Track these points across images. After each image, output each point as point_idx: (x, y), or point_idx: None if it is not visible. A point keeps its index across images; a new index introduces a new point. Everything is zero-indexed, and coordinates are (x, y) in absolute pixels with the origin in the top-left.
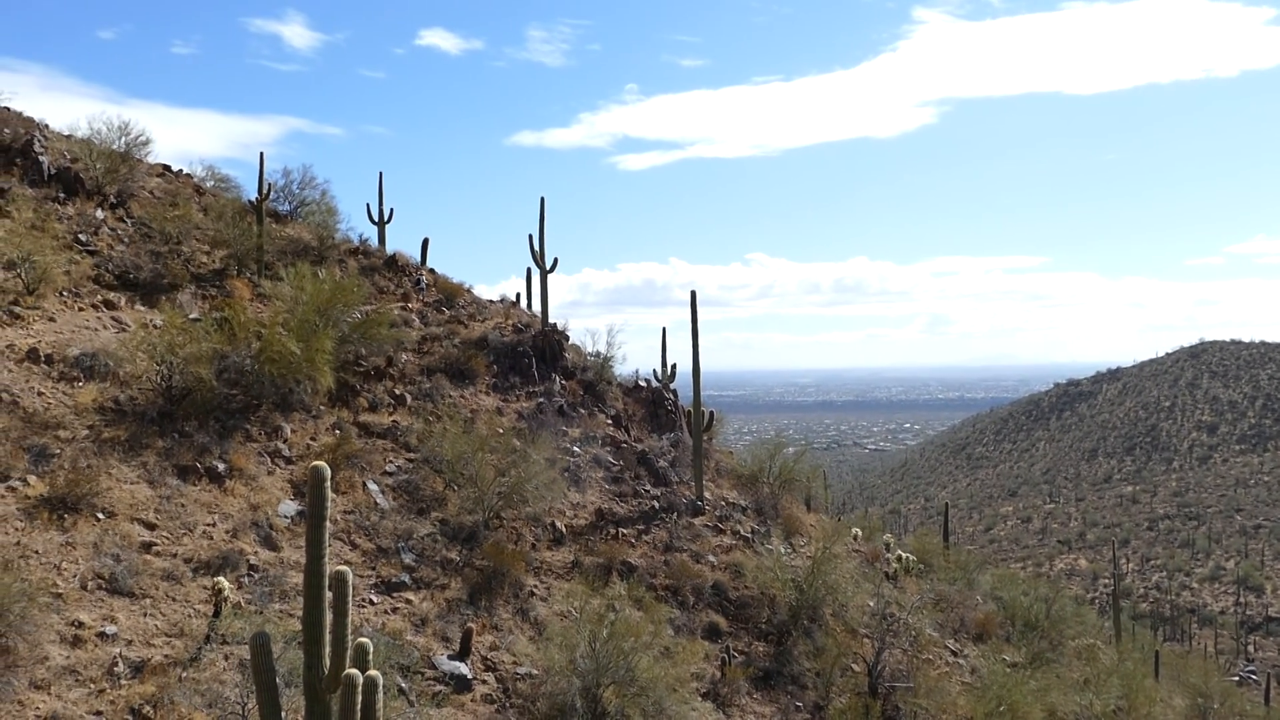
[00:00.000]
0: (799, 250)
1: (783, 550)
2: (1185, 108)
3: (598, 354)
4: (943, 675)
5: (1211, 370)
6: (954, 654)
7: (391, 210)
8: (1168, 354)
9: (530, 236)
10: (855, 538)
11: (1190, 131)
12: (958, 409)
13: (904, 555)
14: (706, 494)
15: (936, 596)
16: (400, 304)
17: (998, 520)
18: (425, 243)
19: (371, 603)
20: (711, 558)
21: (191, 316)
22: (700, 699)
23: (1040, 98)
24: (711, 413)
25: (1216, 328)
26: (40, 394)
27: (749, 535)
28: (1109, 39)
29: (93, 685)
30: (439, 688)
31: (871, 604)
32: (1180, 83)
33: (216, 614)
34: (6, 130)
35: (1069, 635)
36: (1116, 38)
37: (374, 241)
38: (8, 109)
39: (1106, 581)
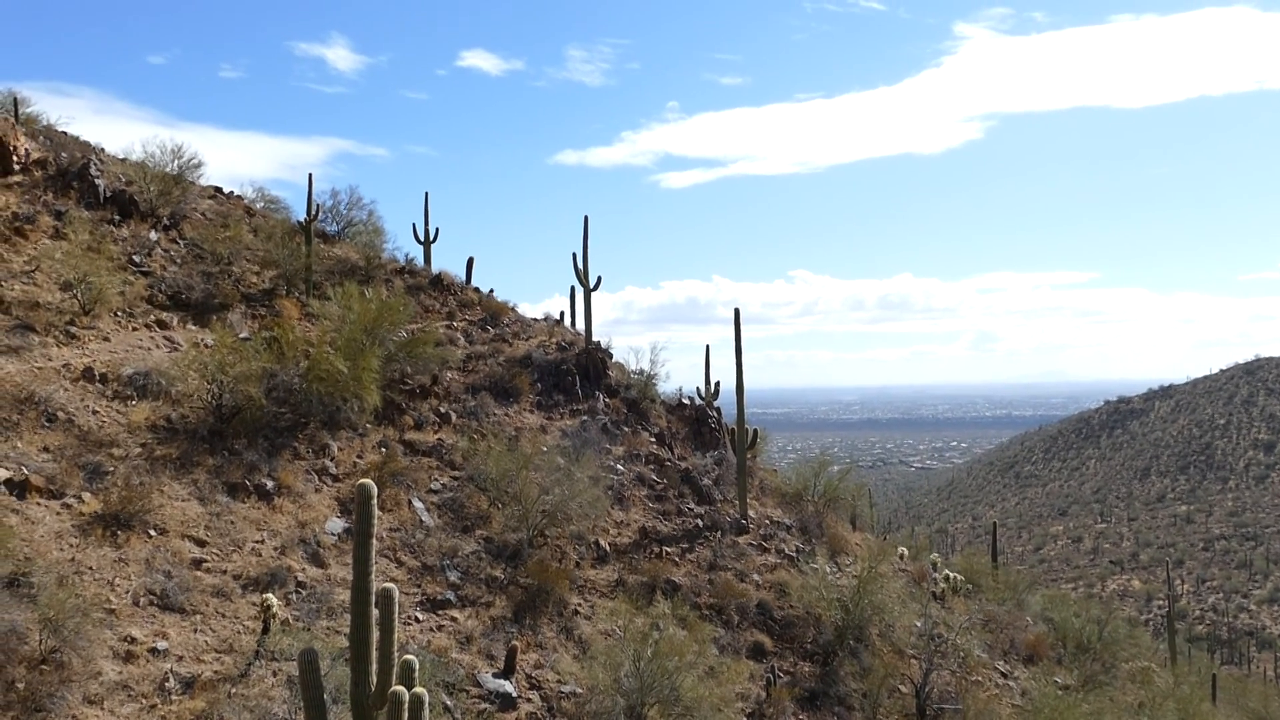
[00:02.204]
0: (843, 267)
1: (828, 569)
2: (1238, 120)
3: (641, 372)
4: (992, 697)
5: (1268, 387)
6: (1004, 676)
7: (437, 230)
8: (1222, 370)
9: (574, 255)
10: (901, 557)
11: (1243, 144)
12: (1005, 427)
13: (951, 575)
14: (750, 512)
15: (985, 617)
16: (445, 323)
17: (1047, 540)
18: (470, 262)
19: (417, 620)
20: (756, 576)
21: (241, 336)
22: (745, 719)
23: (1088, 111)
24: (755, 430)
25: (1272, 343)
26: (95, 412)
27: (793, 554)
28: (1158, 52)
29: (144, 700)
30: (484, 705)
31: (919, 624)
32: (1232, 95)
33: (265, 630)
34: (64, 154)
35: (1123, 658)
36: (1166, 51)
37: (420, 261)
38: (65, 133)
39: (1161, 603)
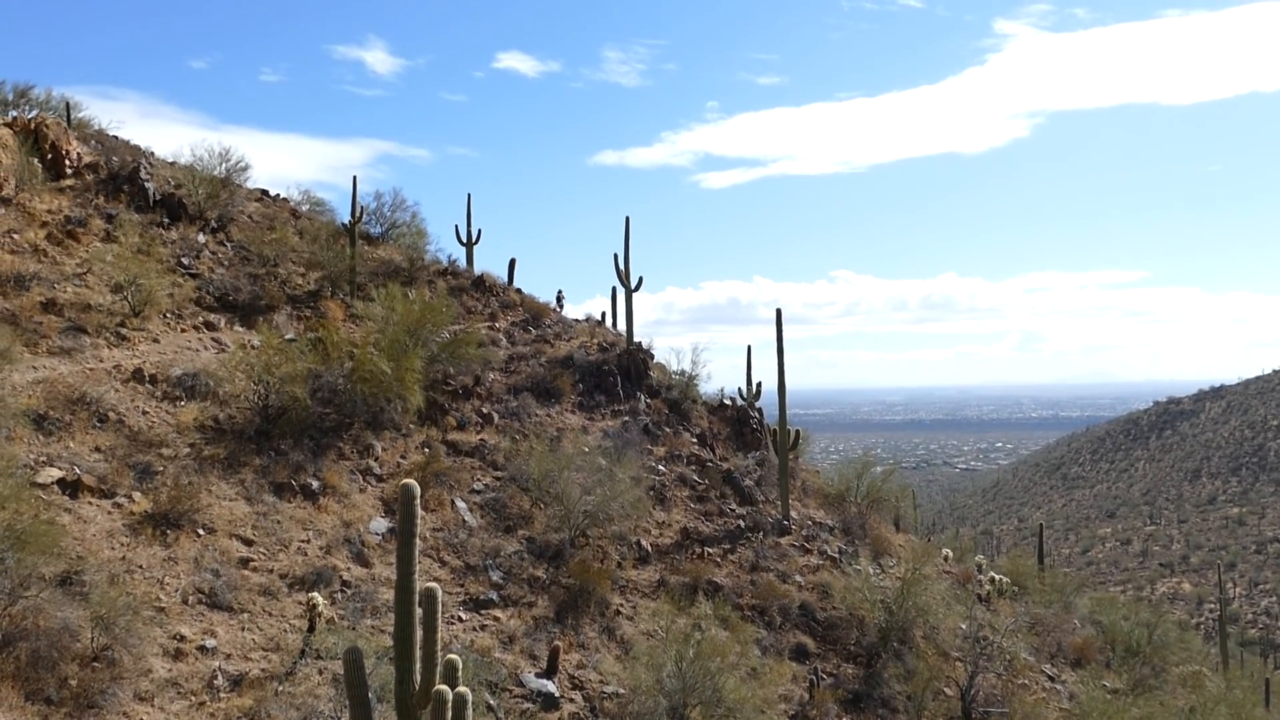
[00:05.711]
0: (885, 267)
1: (871, 571)
2: None
3: (682, 372)
4: (1039, 701)
5: None
6: (1051, 679)
7: (479, 231)
8: (1275, 371)
9: (615, 256)
10: (946, 559)
11: None
12: (1052, 428)
13: (997, 577)
14: (793, 513)
15: (1032, 620)
16: (488, 323)
17: (1095, 542)
18: (512, 263)
19: (460, 619)
20: (798, 577)
21: (287, 337)
22: None
23: (1136, 108)
24: (797, 431)
25: None
26: (145, 413)
27: (836, 555)
28: (1208, 47)
29: (193, 698)
30: (527, 705)
31: (964, 626)
32: None
33: (311, 629)
34: (115, 158)
35: (1173, 661)
36: (1216, 46)
37: (462, 262)
38: (115, 137)
39: (1212, 606)
